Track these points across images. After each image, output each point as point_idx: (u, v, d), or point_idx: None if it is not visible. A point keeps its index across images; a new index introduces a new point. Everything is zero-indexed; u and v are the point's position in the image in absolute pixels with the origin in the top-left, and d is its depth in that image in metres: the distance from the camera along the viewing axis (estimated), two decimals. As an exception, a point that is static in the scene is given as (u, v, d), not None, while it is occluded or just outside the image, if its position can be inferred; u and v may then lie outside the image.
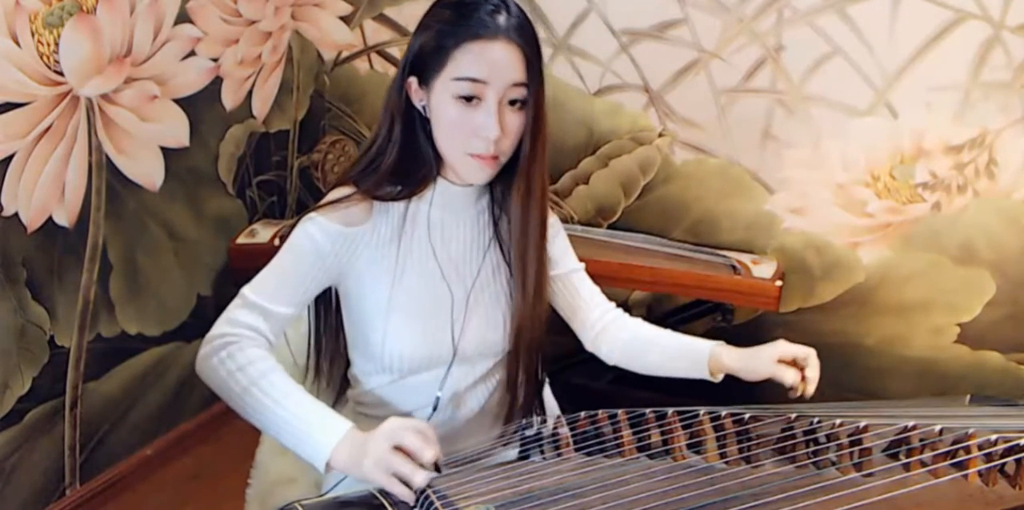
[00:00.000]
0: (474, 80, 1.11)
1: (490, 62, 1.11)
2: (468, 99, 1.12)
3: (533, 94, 1.14)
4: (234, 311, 1.15)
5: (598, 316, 1.40)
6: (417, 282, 1.22)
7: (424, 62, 1.15)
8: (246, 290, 1.16)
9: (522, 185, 1.21)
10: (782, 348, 1.26)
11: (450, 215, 1.24)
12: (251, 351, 1.12)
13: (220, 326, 1.15)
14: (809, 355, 1.25)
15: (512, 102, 1.14)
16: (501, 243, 1.28)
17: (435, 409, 1.26)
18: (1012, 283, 2.07)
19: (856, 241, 2.16)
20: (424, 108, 1.18)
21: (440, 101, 1.14)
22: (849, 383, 2.25)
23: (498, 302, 1.28)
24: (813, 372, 1.25)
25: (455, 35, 1.11)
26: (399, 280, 1.21)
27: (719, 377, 1.32)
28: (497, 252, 1.28)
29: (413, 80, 1.17)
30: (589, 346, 1.42)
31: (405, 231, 1.21)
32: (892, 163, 2.08)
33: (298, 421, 1.07)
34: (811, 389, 1.24)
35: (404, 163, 1.20)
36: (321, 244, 1.16)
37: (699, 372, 1.32)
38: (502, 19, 1.11)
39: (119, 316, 2.02)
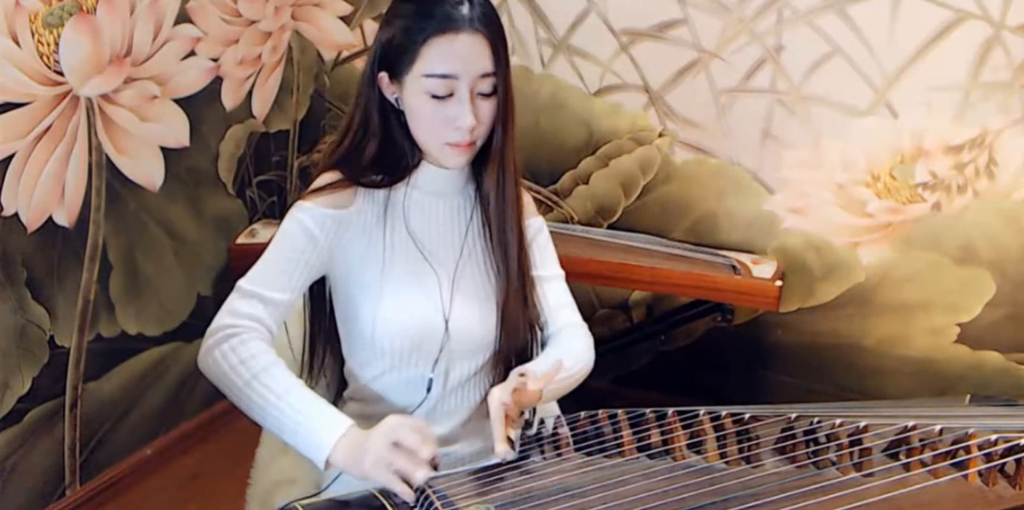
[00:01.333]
0: (444, 76, 1.14)
1: (458, 56, 1.13)
2: (441, 94, 1.15)
3: (502, 80, 1.17)
4: (233, 303, 1.16)
5: (555, 329, 1.35)
6: (404, 264, 1.24)
7: (393, 58, 1.17)
8: (242, 282, 1.18)
9: (496, 167, 1.24)
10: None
11: (433, 198, 1.26)
12: (253, 344, 1.12)
13: (221, 318, 1.15)
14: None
15: (482, 91, 1.16)
16: (482, 225, 1.29)
17: (428, 390, 1.26)
18: (1012, 283, 2.06)
19: (856, 241, 2.16)
20: (397, 100, 1.20)
21: (413, 96, 1.17)
22: (849, 383, 2.25)
23: (484, 287, 1.28)
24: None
25: (421, 30, 1.13)
26: (387, 262, 1.23)
27: None
28: (478, 236, 1.29)
29: (384, 75, 1.19)
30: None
31: (389, 214, 1.24)
32: (892, 163, 2.08)
33: (299, 417, 1.07)
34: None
35: (384, 154, 1.23)
36: (311, 228, 1.18)
37: None
38: (465, 10, 1.13)
39: (119, 316, 2.02)
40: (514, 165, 1.25)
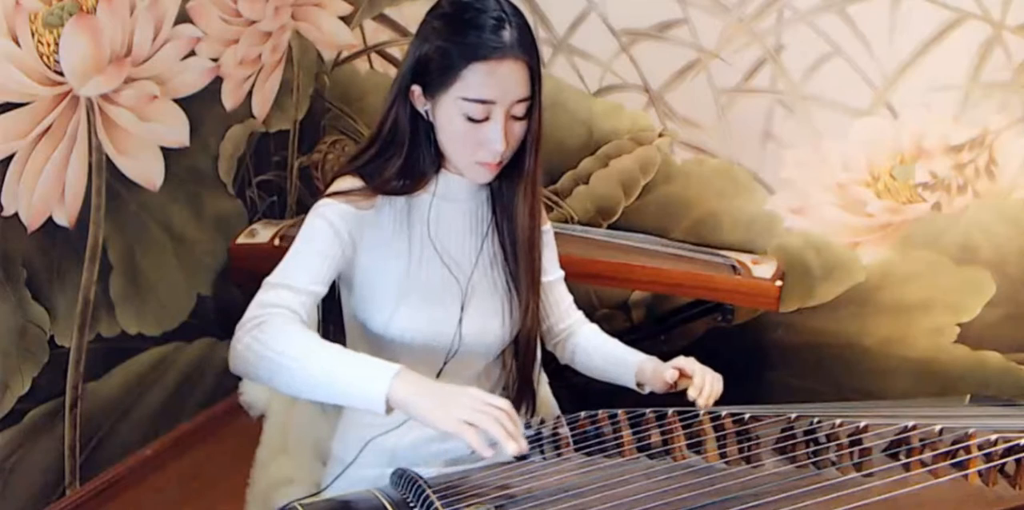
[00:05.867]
0: (483, 101, 1.14)
1: (499, 83, 1.13)
2: (477, 118, 1.15)
3: (536, 104, 1.18)
4: (260, 296, 1.15)
5: (564, 327, 1.45)
6: (427, 272, 1.25)
7: (429, 75, 1.16)
8: (268, 278, 1.17)
9: (528, 187, 1.26)
10: (680, 360, 1.30)
11: (451, 204, 1.27)
12: (279, 321, 1.10)
13: (250, 311, 1.13)
14: (696, 368, 1.27)
15: (516, 114, 1.17)
16: (498, 234, 1.30)
17: None
18: (1012, 283, 2.06)
19: (856, 241, 2.16)
20: (427, 112, 1.20)
21: (447, 115, 1.17)
22: (849, 383, 2.25)
23: (496, 292, 1.30)
24: (707, 385, 1.25)
25: (462, 55, 1.12)
26: (411, 269, 1.24)
27: (645, 389, 1.35)
28: (493, 242, 1.30)
29: (417, 88, 1.19)
30: (548, 347, 1.48)
31: (411, 221, 1.24)
32: (892, 163, 2.08)
33: (344, 366, 1.05)
34: (707, 401, 1.23)
35: (410, 164, 1.23)
36: (335, 224, 1.19)
37: (628, 381, 1.36)
38: (507, 34, 1.13)
39: (119, 316, 2.02)
40: (540, 184, 1.28)
